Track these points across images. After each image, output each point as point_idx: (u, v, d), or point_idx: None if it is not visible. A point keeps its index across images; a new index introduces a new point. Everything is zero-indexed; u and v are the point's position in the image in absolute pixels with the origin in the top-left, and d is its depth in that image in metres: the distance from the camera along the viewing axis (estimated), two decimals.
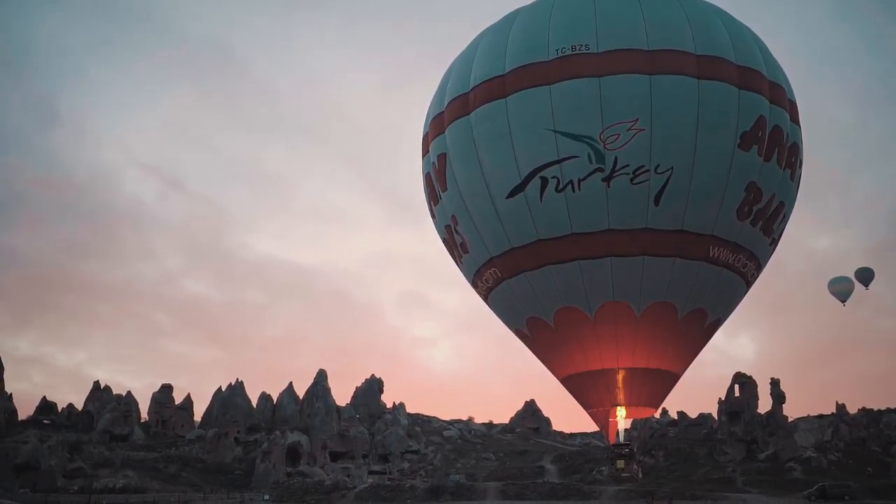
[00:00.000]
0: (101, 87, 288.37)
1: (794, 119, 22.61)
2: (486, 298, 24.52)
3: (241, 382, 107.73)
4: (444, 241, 25.03)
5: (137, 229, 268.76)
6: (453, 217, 23.27)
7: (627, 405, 22.96)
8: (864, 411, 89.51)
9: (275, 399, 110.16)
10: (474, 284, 24.56)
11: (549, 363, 24.50)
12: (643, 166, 20.05)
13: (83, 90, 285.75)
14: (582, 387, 23.77)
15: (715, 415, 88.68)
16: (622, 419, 23.11)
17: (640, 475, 25.44)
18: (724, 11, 22.37)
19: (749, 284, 23.42)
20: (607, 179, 20.14)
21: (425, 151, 24.54)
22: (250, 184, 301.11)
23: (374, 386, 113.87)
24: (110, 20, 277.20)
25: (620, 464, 23.55)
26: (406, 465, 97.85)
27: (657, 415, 74.50)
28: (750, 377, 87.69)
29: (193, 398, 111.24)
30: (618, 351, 21.92)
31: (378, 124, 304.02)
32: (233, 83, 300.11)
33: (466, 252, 23.59)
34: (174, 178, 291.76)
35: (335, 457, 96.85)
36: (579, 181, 20.29)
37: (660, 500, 42.58)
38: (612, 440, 23.53)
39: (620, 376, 22.29)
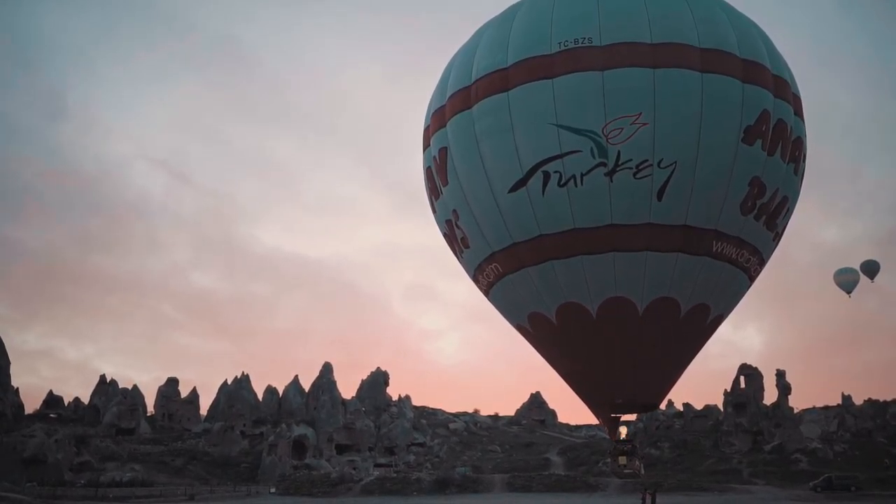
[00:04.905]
0: (108, 80, 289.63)
1: (798, 113, 22.39)
2: (487, 294, 24.39)
3: (247, 376, 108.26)
4: (445, 235, 24.92)
5: (145, 222, 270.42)
6: (454, 212, 23.15)
7: (629, 401, 22.87)
8: (870, 402, 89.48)
9: (280, 392, 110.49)
10: (475, 279, 24.45)
11: (551, 359, 24.39)
12: (646, 161, 19.86)
13: (90, 83, 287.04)
14: (584, 383, 23.70)
15: (721, 406, 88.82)
16: (624, 415, 23.04)
17: (643, 471, 25.31)
18: (727, 4, 22.16)
19: (752, 280, 23.25)
20: (610, 174, 19.95)
21: (426, 145, 24.40)
22: (258, 176, 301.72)
23: (379, 378, 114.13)
24: (117, 12, 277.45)
25: (622, 460, 23.45)
26: (412, 457, 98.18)
27: (663, 406, 74.48)
28: (756, 368, 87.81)
29: (199, 391, 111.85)
30: (620, 346, 21.76)
31: (385, 116, 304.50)
32: (240, 75, 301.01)
33: (467, 247, 23.46)
34: (182, 170, 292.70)
35: (341, 449, 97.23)
36: (582, 176, 20.10)
37: (650, 492, 42.51)
38: (614, 437, 23.47)
39: (623, 372, 22.17)
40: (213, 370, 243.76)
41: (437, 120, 23.38)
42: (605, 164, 19.90)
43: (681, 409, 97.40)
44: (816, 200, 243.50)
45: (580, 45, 20.25)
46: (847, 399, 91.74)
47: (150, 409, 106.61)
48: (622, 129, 19.77)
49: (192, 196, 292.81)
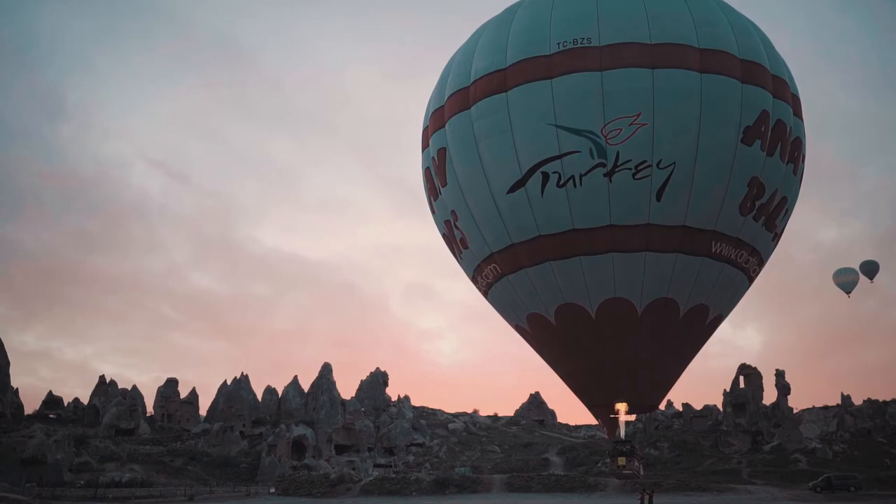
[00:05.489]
0: (107, 80, 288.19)
1: (797, 113, 22.40)
2: (486, 294, 24.37)
3: (247, 376, 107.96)
4: (444, 236, 24.90)
5: (144, 222, 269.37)
6: (453, 212, 23.14)
7: (628, 402, 22.85)
8: (870, 402, 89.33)
9: (280, 392, 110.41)
10: (474, 280, 24.43)
11: (550, 360, 24.38)
12: (645, 161, 19.87)
13: (89, 83, 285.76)
14: (583, 384, 23.67)
15: (720, 406, 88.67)
16: (623, 416, 23.01)
17: (642, 472, 25.28)
18: (727, 4, 22.17)
19: (751, 280, 23.25)
20: (609, 174, 19.95)
21: (425, 146, 24.38)
22: (258, 176, 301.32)
23: (378, 379, 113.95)
24: (117, 12, 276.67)
25: (622, 461, 23.43)
26: (411, 457, 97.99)
27: (662, 406, 74.46)
28: (755, 368, 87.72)
29: (199, 392, 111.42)
30: (619, 347, 21.75)
31: (386, 115, 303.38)
32: (239, 75, 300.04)
33: (466, 247, 23.46)
34: (181, 170, 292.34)
35: (340, 450, 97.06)
36: (581, 176, 20.11)
37: (648, 492, 42.49)
38: (613, 436, 23.45)
39: (621, 373, 22.14)
40: (212, 370, 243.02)
41: (436, 120, 23.35)
42: (604, 165, 19.90)
43: (680, 409, 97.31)
44: (816, 200, 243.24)
45: (579, 45, 20.24)
46: (846, 399, 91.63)
47: (150, 409, 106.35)
48: (621, 129, 19.77)
49: (191, 196, 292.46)
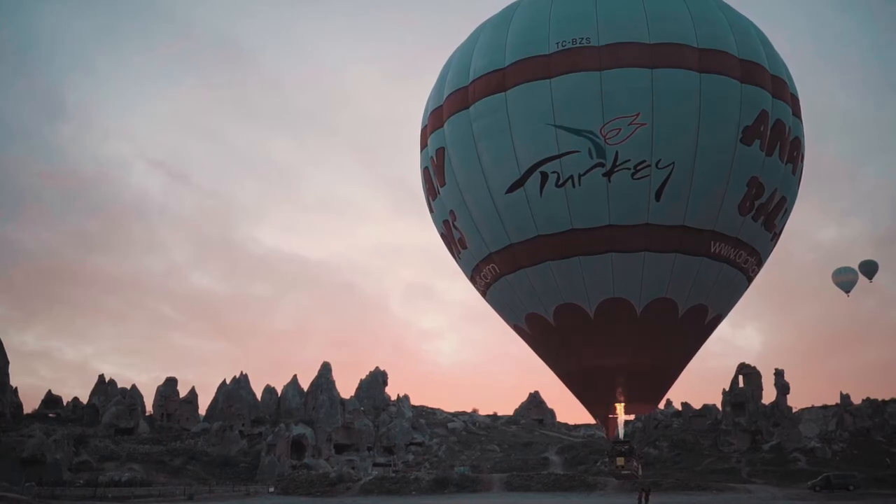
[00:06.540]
0: (107, 80, 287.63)
1: (797, 113, 22.39)
2: (484, 294, 24.37)
3: (246, 375, 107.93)
4: (443, 236, 24.87)
5: (144, 222, 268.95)
6: (452, 212, 23.12)
7: (627, 402, 22.85)
8: (869, 401, 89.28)
9: (279, 392, 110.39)
10: (473, 280, 24.42)
11: (548, 360, 24.38)
12: (644, 161, 19.86)
13: (89, 83, 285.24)
14: (582, 384, 23.67)
15: (719, 405, 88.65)
16: (622, 416, 23.02)
17: (641, 472, 25.30)
18: (726, 4, 22.16)
19: (750, 280, 23.24)
20: (608, 174, 19.94)
21: (423, 145, 24.35)
22: (258, 176, 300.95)
23: (378, 378, 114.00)
24: (116, 12, 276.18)
25: (620, 461, 23.44)
26: (411, 457, 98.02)
27: (661, 405, 74.45)
28: (754, 368, 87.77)
29: (198, 391, 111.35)
30: (618, 347, 21.76)
31: (386, 115, 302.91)
32: (239, 75, 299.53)
33: (465, 247, 23.44)
34: (181, 170, 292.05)
35: (340, 449, 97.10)
36: (580, 176, 20.10)
37: (645, 491, 42.46)
38: (612, 435, 23.46)
39: (620, 373, 22.15)
40: (211, 370, 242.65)
41: (435, 120, 23.32)
42: (603, 165, 19.89)
43: (679, 408, 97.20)
44: (815, 200, 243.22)
45: (578, 44, 20.22)
46: (845, 398, 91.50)
47: (149, 408, 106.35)
48: (620, 129, 19.76)
49: (191, 196, 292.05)
